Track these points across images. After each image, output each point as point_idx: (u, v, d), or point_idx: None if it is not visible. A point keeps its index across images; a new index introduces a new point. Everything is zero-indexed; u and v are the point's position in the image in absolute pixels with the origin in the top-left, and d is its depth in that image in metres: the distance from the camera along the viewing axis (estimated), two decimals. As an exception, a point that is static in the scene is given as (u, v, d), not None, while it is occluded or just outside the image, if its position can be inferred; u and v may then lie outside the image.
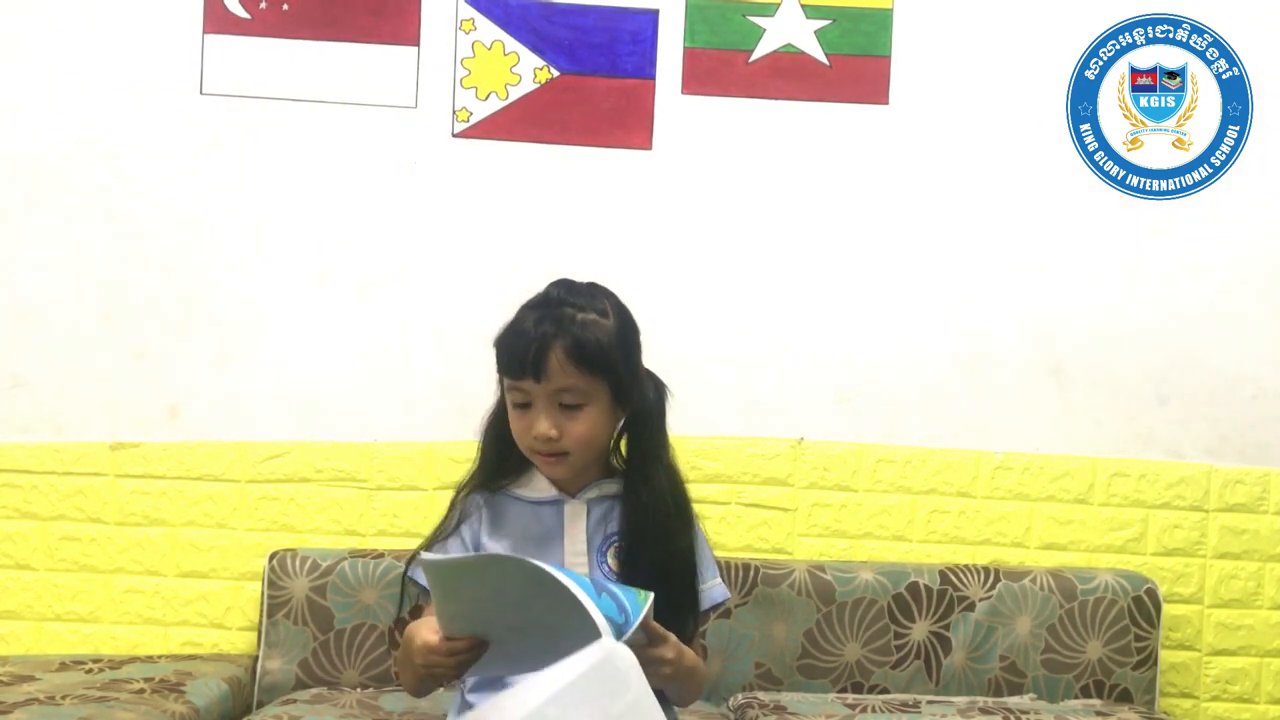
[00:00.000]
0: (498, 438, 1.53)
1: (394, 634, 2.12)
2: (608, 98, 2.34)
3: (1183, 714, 2.36)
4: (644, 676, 1.20)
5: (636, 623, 1.23)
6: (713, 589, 1.57)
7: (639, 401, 1.52)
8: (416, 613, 1.61)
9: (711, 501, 2.33)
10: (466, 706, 1.50)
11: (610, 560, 1.50)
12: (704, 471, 2.34)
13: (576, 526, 1.51)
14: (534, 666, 1.36)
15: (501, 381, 1.50)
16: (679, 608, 1.48)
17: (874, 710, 2.04)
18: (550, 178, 2.35)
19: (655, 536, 1.48)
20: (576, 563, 1.49)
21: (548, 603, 1.22)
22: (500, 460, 1.54)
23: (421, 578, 1.53)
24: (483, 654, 1.30)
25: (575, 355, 1.42)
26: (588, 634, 1.19)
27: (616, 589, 1.27)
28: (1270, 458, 2.40)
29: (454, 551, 1.50)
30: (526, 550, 1.49)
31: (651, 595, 1.28)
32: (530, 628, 1.28)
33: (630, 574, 1.47)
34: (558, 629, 1.22)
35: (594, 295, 1.50)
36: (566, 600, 1.20)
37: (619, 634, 1.20)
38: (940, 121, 2.38)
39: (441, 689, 1.93)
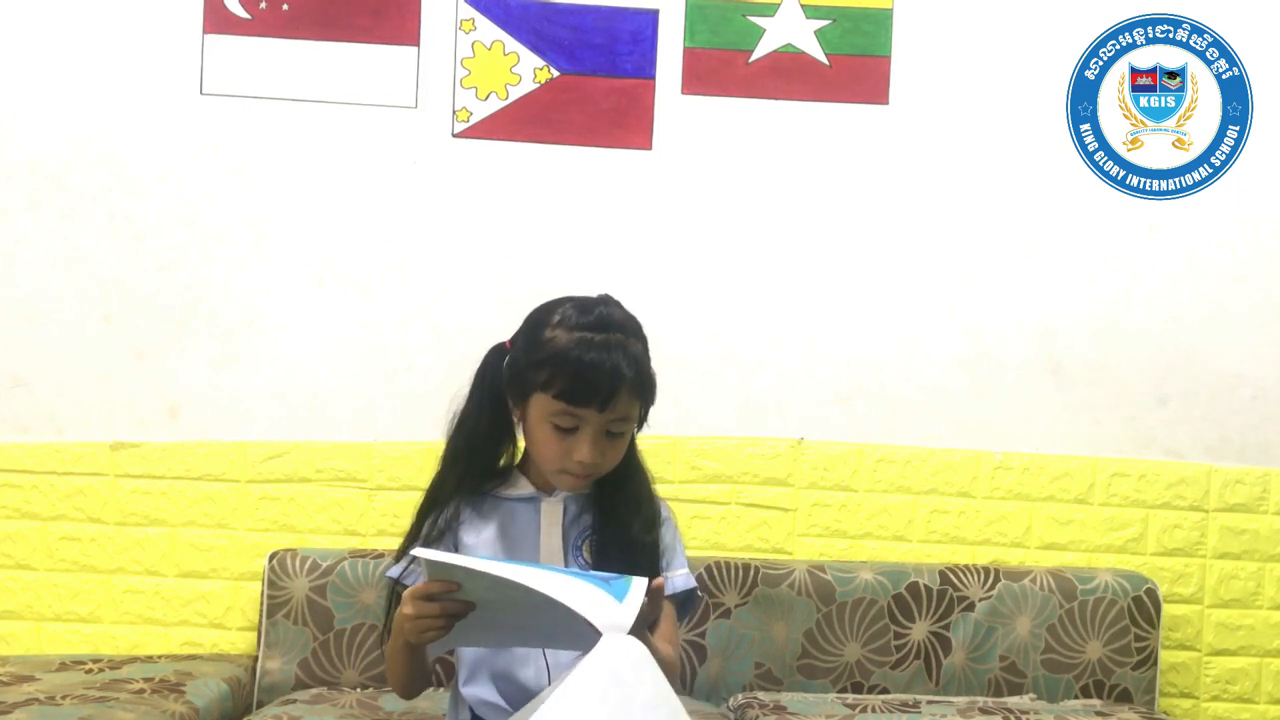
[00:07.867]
0: (483, 445, 1.53)
1: (384, 639, 2.12)
2: (607, 98, 2.34)
3: (1183, 714, 2.36)
4: (656, 666, 1.20)
5: (634, 612, 1.22)
6: (684, 576, 1.56)
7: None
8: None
9: (711, 501, 2.33)
10: (462, 702, 1.50)
11: (585, 554, 1.51)
12: (704, 471, 2.34)
13: (553, 523, 1.52)
14: (529, 642, 1.41)
15: (512, 396, 1.48)
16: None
17: (874, 710, 2.04)
18: (550, 178, 2.35)
19: (627, 533, 1.49)
20: (552, 559, 1.50)
21: (542, 611, 1.22)
22: (482, 465, 1.53)
23: (407, 575, 1.54)
24: (469, 612, 1.29)
25: (637, 388, 1.43)
26: (586, 634, 1.19)
27: (599, 578, 1.26)
28: (1270, 458, 2.40)
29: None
30: (502, 546, 1.51)
31: (644, 580, 1.26)
32: (526, 622, 1.28)
33: (601, 566, 1.48)
34: (554, 626, 1.23)
35: (627, 316, 1.48)
36: (558, 609, 1.20)
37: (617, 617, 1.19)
38: (940, 121, 2.38)
39: (434, 689, 1.94)
